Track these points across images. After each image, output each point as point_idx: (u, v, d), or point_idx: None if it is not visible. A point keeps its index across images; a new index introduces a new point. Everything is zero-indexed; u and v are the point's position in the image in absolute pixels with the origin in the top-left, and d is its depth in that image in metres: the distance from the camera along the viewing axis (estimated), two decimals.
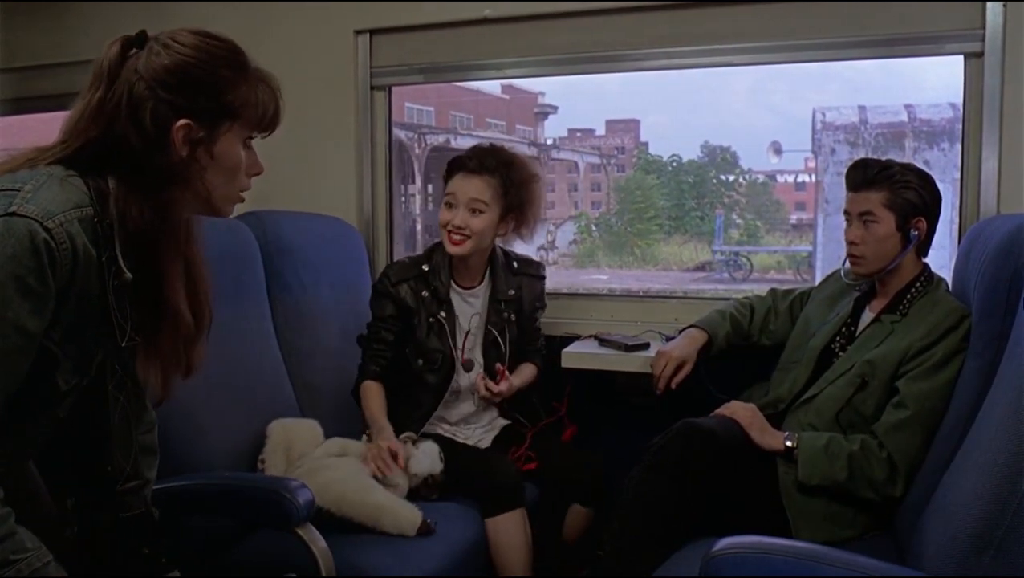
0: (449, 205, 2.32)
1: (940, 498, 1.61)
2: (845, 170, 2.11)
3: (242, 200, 1.40)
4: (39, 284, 1.16)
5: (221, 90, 1.27)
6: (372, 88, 2.78)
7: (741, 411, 2.03)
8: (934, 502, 1.63)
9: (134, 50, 1.28)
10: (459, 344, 2.35)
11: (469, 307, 2.40)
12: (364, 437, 2.25)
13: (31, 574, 1.18)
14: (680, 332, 2.34)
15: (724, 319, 2.32)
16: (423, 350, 2.32)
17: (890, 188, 2.01)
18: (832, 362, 2.09)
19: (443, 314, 2.34)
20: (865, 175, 2.04)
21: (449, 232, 2.31)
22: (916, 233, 2.02)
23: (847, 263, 2.13)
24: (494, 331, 2.40)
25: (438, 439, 2.25)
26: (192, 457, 1.91)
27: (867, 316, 2.11)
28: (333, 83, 2.76)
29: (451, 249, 2.32)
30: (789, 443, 1.96)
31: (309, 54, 2.74)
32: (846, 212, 2.09)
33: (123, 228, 1.25)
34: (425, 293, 2.33)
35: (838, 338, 2.12)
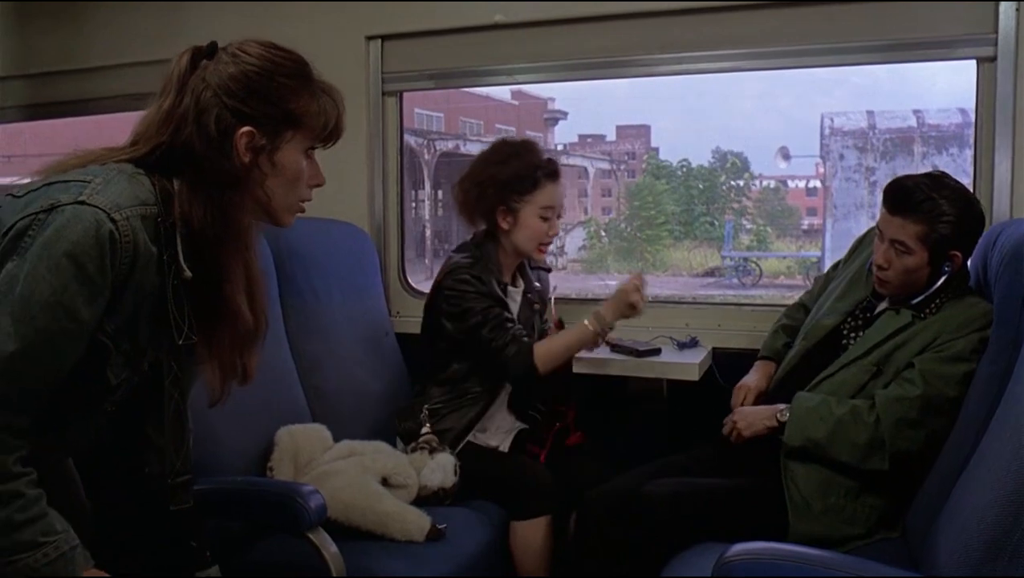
0: (545, 219, 2.36)
1: (954, 503, 1.60)
2: (884, 186, 2.00)
3: (303, 210, 1.43)
4: (98, 273, 1.19)
5: (283, 98, 1.32)
6: (383, 94, 2.79)
7: (741, 423, 2.05)
8: (948, 507, 1.63)
9: (204, 60, 1.32)
10: None
11: (515, 305, 2.44)
12: (423, 431, 2.25)
13: (58, 557, 1.20)
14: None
15: (776, 334, 2.30)
16: None
17: (928, 223, 1.89)
18: (841, 344, 2.06)
19: (507, 313, 2.37)
20: (904, 201, 1.91)
21: (543, 243, 2.40)
22: (948, 269, 1.93)
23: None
24: (527, 326, 2.44)
25: (466, 444, 2.26)
26: (204, 461, 1.90)
27: (885, 303, 2.06)
28: (344, 89, 2.72)
29: (539, 256, 2.46)
30: (782, 417, 1.97)
31: (320, 60, 2.71)
32: (878, 228, 2.00)
33: (186, 228, 1.28)
34: (499, 291, 2.36)
35: (850, 319, 2.09)
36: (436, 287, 2.38)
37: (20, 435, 1.19)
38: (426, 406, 2.32)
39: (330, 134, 1.39)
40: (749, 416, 2.06)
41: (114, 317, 1.25)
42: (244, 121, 1.29)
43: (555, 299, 2.58)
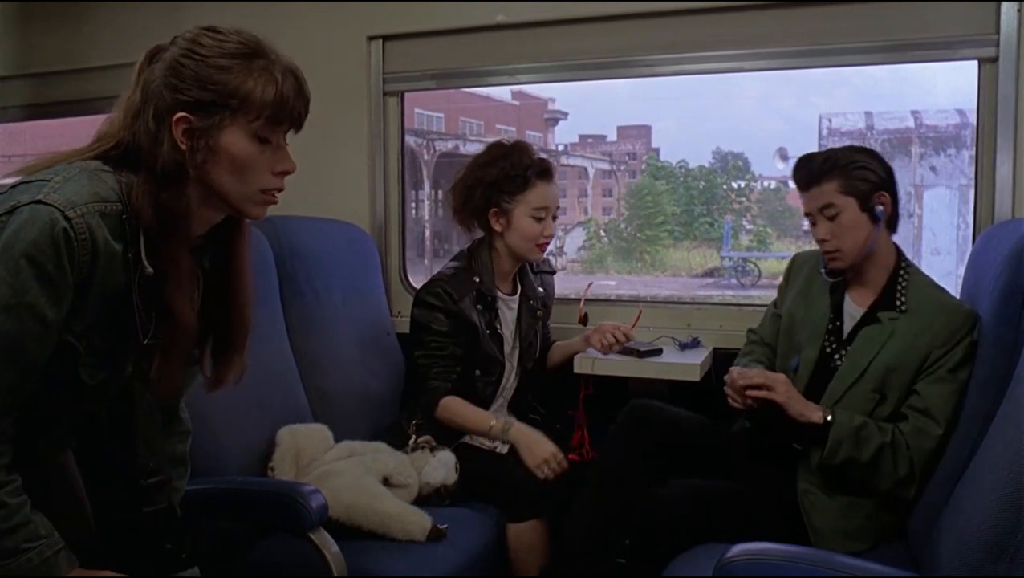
0: (539, 219, 2.33)
1: (954, 506, 1.60)
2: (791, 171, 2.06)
3: (272, 201, 1.35)
4: (57, 272, 1.17)
5: (216, 80, 1.24)
6: (385, 94, 2.78)
7: (781, 386, 1.96)
8: (948, 510, 1.63)
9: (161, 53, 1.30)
10: (505, 350, 2.39)
11: (511, 312, 2.43)
12: (410, 443, 2.24)
13: (41, 562, 1.21)
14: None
15: (752, 354, 2.25)
16: (483, 361, 2.35)
17: (841, 174, 1.96)
18: (830, 366, 2.03)
19: (497, 324, 2.36)
20: (813, 170, 1.98)
21: (539, 244, 2.35)
22: (881, 208, 1.97)
23: (823, 261, 2.08)
24: (530, 334, 2.44)
25: (460, 445, 2.25)
26: (205, 461, 1.90)
27: (852, 308, 2.05)
28: (346, 89, 2.77)
29: (538, 256, 2.40)
30: (829, 417, 1.91)
31: (322, 60, 2.73)
32: (806, 213, 2.03)
33: (143, 224, 1.25)
34: (480, 306, 2.34)
35: (828, 338, 2.06)
36: (418, 292, 2.38)
37: (1, 441, 1.19)
38: (414, 421, 2.31)
39: (277, 114, 1.28)
40: (793, 393, 1.96)
41: (82, 317, 1.23)
42: (179, 108, 1.24)
43: (586, 298, 2.60)
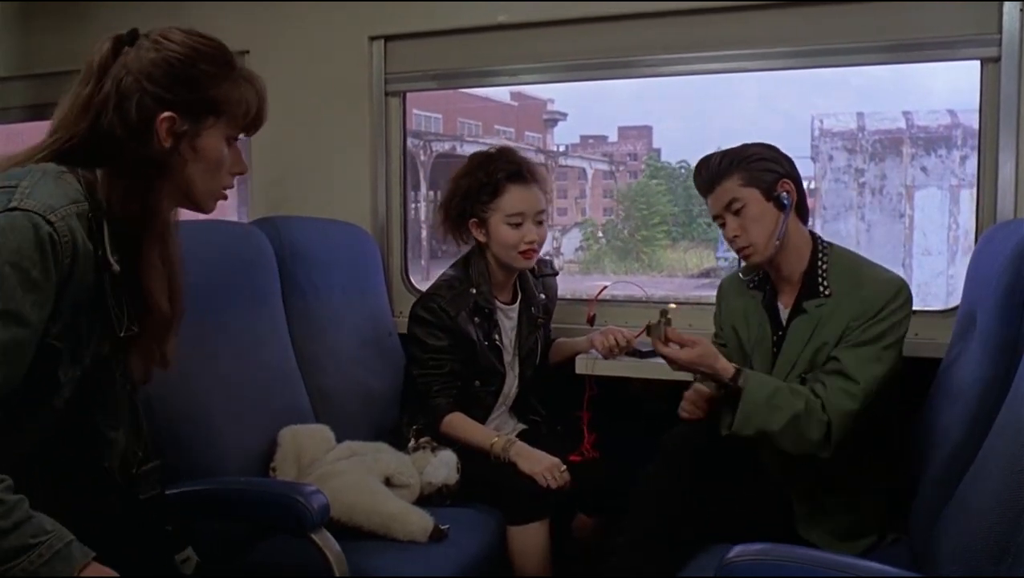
0: (516, 225, 2.28)
1: (957, 506, 1.60)
2: (693, 175, 2.06)
3: (225, 197, 1.44)
4: (42, 277, 1.18)
5: (205, 85, 1.32)
6: (386, 94, 2.78)
7: (689, 351, 1.91)
8: (950, 509, 1.63)
9: (126, 48, 1.33)
10: (505, 359, 2.39)
11: (511, 321, 2.42)
12: (411, 443, 2.24)
13: (52, 556, 1.19)
14: None
15: None
16: (483, 372, 2.34)
17: (740, 168, 1.95)
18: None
19: (496, 336, 2.35)
20: (712, 170, 1.98)
21: (523, 251, 2.30)
22: (787, 195, 1.95)
23: (740, 263, 2.09)
24: (530, 342, 2.43)
25: (463, 447, 2.25)
26: (206, 461, 1.91)
27: (784, 312, 2.04)
28: (348, 89, 2.77)
29: (524, 264, 2.33)
30: (740, 382, 1.89)
31: (324, 60, 2.74)
32: (714, 217, 2.02)
33: (110, 218, 1.28)
34: (478, 318, 2.32)
35: (774, 350, 2.04)
36: (413, 306, 2.37)
37: None
38: (414, 426, 2.30)
39: (251, 122, 1.40)
40: (710, 355, 1.91)
41: (59, 318, 1.23)
42: (165, 106, 1.29)
43: (598, 299, 2.60)
